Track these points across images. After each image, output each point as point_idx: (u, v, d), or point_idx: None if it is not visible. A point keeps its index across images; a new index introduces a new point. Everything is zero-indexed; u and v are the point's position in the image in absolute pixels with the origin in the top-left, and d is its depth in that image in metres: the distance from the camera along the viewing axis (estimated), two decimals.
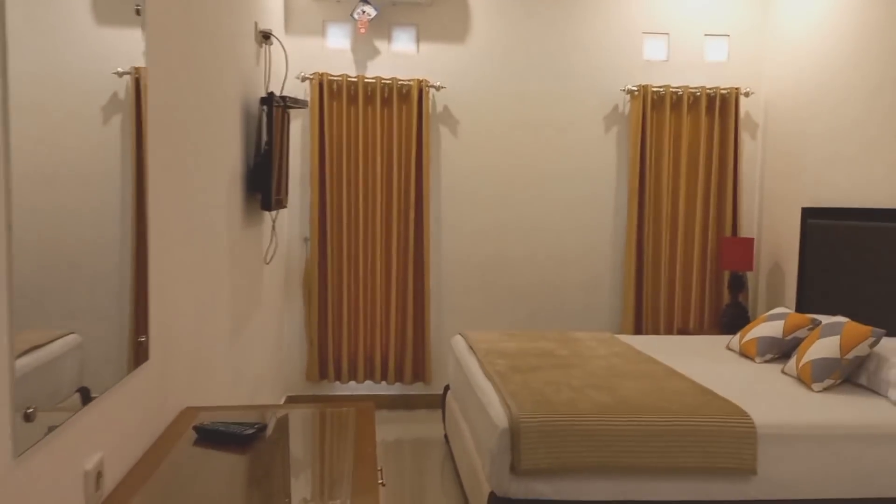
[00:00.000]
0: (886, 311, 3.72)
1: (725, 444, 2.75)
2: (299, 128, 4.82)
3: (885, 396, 3.14)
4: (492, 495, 2.76)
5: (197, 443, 1.94)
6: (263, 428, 2.03)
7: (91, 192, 1.61)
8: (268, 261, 4.01)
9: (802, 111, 4.69)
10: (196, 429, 1.99)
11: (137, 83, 1.86)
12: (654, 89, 4.97)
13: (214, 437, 1.96)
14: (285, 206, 4.04)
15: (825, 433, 2.85)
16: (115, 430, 1.69)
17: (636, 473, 2.75)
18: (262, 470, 1.79)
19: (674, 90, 4.98)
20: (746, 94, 5.09)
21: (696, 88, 4.99)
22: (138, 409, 1.87)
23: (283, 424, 2.14)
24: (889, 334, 3.63)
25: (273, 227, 4.04)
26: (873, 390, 3.24)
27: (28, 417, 1.22)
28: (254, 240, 3.65)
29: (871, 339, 3.25)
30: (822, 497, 2.83)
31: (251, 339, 3.58)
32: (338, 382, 4.96)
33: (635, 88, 4.97)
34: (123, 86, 1.76)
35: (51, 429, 1.34)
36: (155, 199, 1.98)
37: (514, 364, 3.48)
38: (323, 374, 4.91)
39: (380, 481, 1.76)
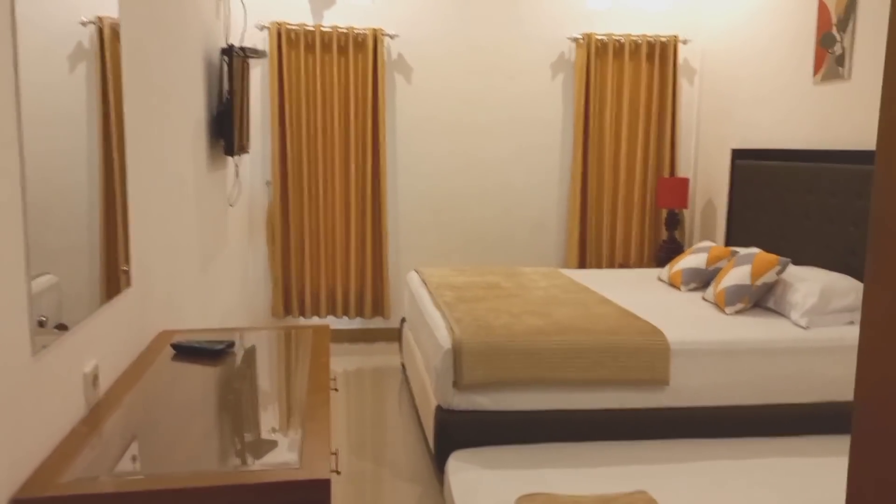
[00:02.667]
0: (799, 242, 4.13)
1: (642, 358, 3.14)
2: (259, 75, 5.01)
3: (788, 317, 3.56)
4: (438, 408, 3.13)
5: (175, 358, 2.25)
6: (232, 344, 2.34)
7: (60, 138, 1.66)
8: (232, 203, 4.27)
9: (734, 59, 5.01)
10: (173, 346, 2.30)
11: (101, 32, 1.88)
12: (598, 37, 5.24)
13: (190, 352, 2.27)
14: (248, 152, 4.28)
15: (730, 349, 3.25)
16: (106, 343, 1.99)
17: (563, 386, 3.13)
18: (231, 376, 2.11)
19: (616, 38, 5.25)
20: (685, 42, 5.38)
21: (637, 36, 5.27)
22: (124, 327, 2.16)
23: (249, 342, 2.45)
24: (796, 262, 4.05)
25: (237, 172, 4.29)
26: (779, 312, 3.65)
27: (41, 324, 1.52)
28: (218, 183, 3.89)
29: (778, 267, 3.64)
30: (725, 404, 3.24)
31: (219, 275, 3.87)
32: (301, 318, 5.28)
33: (580, 36, 5.23)
34: (87, 35, 1.78)
35: (56, 336, 1.64)
36: (132, 144, 2.24)
37: (461, 295, 3.83)
38: (287, 310, 5.23)
39: (333, 388, 2.10)
